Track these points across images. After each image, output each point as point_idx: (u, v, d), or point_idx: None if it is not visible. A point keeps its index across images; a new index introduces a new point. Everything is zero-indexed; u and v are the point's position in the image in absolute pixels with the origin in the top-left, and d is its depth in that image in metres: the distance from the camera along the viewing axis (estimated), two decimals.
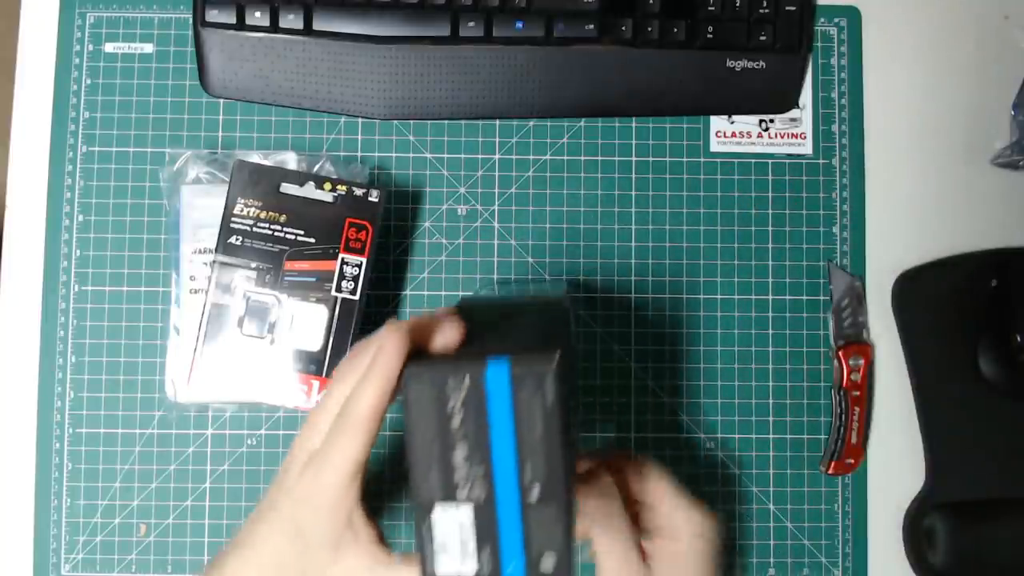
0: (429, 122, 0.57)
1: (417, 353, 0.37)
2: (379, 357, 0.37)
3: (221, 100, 0.57)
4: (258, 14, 0.54)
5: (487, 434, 0.35)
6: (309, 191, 0.52)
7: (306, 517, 0.39)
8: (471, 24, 0.55)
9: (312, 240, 0.52)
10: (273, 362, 0.51)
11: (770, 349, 0.57)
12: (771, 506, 0.56)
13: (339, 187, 0.52)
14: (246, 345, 0.51)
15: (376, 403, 0.37)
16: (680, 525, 0.43)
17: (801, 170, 0.58)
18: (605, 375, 0.56)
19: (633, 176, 0.58)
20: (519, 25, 0.55)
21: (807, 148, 0.58)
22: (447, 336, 0.38)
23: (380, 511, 0.55)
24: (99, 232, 0.56)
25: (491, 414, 0.35)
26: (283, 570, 0.40)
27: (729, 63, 0.57)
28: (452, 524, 0.36)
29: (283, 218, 0.52)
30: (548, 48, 0.56)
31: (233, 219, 0.52)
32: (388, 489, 0.56)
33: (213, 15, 0.54)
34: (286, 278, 0.52)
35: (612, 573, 0.42)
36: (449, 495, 0.36)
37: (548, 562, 0.35)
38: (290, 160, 0.55)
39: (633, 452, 0.48)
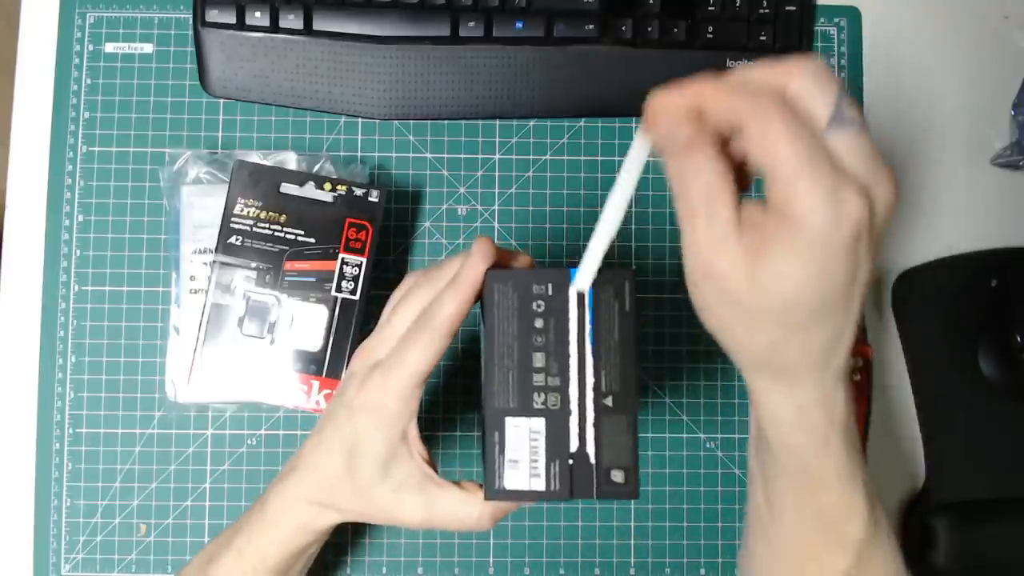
0: (429, 122, 0.57)
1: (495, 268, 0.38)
2: (467, 264, 0.37)
3: (221, 100, 0.57)
4: (258, 14, 0.54)
5: (566, 340, 0.37)
6: (309, 191, 0.52)
7: (364, 428, 0.39)
8: (471, 24, 0.55)
9: (312, 240, 0.52)
10: (273, 362, 0.51)
11: None
12: None
13: (339, 187, 0.52)
14: (246, 345, 0.51)
15: (459, 309, 0.37)
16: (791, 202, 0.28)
17: None
18: None
19: None
20: (519, 25, 0.55)
21: None
22: (522, 261, 0.40)
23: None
24: (99, 232, 0.56)
25: (571, 320, 0.37)
26: (335, 489, 0.41)
27: (729, 63, 0.57)
28: (523, 437, 0.37)
29: (283, 218, 0.52)
30: (548, 48, 0.56)
31: (233, 219, 0.52)
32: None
33: (213, 15, 0.54)
34: (286, 278, 0.52)
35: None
36: (524, 404, 0.37)
37: (618, 476, 0.36)
38: (290, 160, 0.55)
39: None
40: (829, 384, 0.33)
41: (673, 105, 0.30)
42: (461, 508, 0.39)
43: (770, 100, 0.28)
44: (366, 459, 0.39)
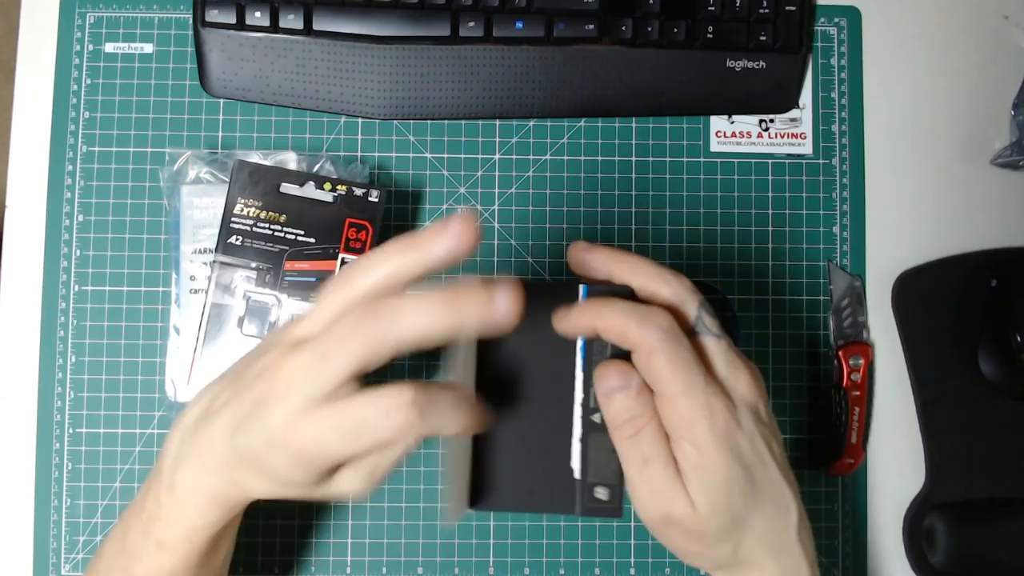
0: (429, 122, 0.57)
1: None
2: (486, 302, 0.30)
3: (221, 100, 0.57)
4: (258, 14, 0.54)
5: (560, 355, 0.37)
6: (309, 191, 0.52)
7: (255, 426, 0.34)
8: (471, 24, 0.55)
9: (312, 240, 0.52)
10: None
11: (770, 349, 0.57)
12: None
13: (339, 187, 0.52)
14: (246, 345, 0.51)
15: (437, 334, 0.31)
16: (679, 428, 0.35)
17: (801, 170, 0.58)
18: None
19: (633, 176, 0.58)
20: (519, 25, 0.55)
21: (807, 148, 0.58)
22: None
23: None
24: (99, 232, 0.56)
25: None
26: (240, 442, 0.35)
27: (729, 63, 0.57)
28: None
29: (283, 218, 0.52)
30: (548, 48, 0.56)
31: (233, 219, 0.52)
32: None
33: (213, 15, 0.54)
34: (286, 278, 0.52)
35: (638, 486, 0.36)
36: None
37: (602, 493, 0.36)
38: (290, 160, 0.55)
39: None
40: (792, 562, 0.38)
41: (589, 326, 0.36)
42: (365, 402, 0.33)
43: (653, 332, 0.34)
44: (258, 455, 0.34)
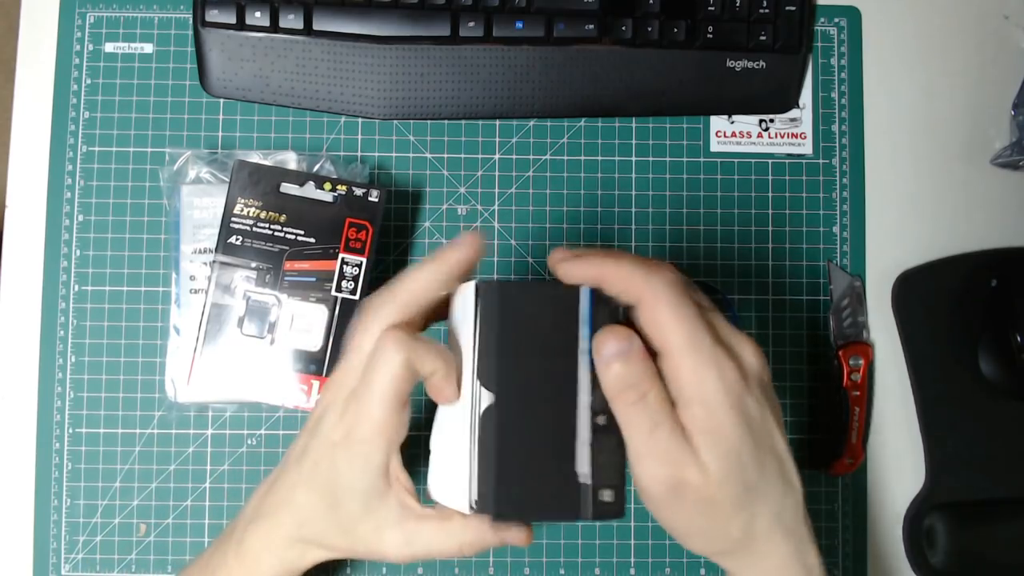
0: (429, 122, 0.57)
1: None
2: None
3: (221, 100, 0.57)
4: (258, 14, 0.54)
5: (564, 356, 0.36)
6: (309, 191, 0.52)
7: (344, 465, 0.37)
8: (471, 24, 0.55)
9: (312, 240, 0.52)
10: (273, 362, 0.51)
11: (770, 349, 0.57)
12: None
13: (339, 187, 0.52)
14: (246, 345, 0.51)
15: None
16: (688, 388, 0.34)
17: (801, 170, 0.58)
18: None
19: (633, 176, 0.58)
20: (519, 25, 0.55)
21: (807, 148, 0.58)
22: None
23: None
24: (99, 232, 0.56)
25: (571, 336, 0.36)
26: (320, 526, 0.39)
27: (729, 63, 0.57)
28: None
29: (283, 218, 0.52)
30: (548, 48, 0.56)
31: (233, 219, 0.52)
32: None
33: (213, 15, 0.54)
34: (286, 278, 0.52)
35: (637, 454, 0.34)
36: None
37: (607, 495, 0.36)
38: (290, 160, 0.55)
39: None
40: (801, 542, 0.36)
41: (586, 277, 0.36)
42: (441, 540, 0.38)
43: (659, 282, 0.34)
44: (348, 497, 0.38)
